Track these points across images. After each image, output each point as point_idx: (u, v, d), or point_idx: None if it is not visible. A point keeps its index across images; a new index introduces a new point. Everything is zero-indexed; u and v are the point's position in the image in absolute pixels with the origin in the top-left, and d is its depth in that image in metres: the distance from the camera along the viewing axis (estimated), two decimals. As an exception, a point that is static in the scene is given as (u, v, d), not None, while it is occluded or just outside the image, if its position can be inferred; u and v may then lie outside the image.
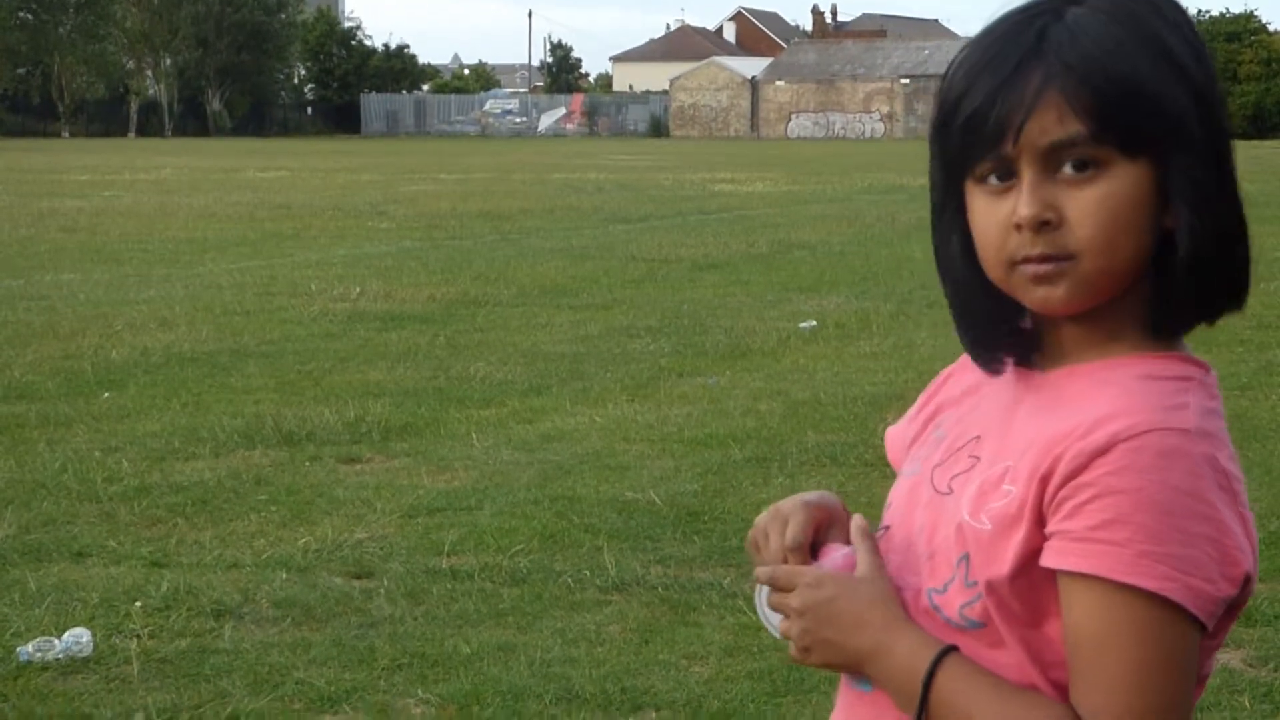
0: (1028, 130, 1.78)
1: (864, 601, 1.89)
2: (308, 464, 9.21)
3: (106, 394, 11.27)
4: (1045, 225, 1.80)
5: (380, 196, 34.36)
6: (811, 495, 2.03)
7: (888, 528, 2.03)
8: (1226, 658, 6.05)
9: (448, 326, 14.83)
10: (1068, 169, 1.78)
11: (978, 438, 1.93)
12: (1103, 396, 1.78)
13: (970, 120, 1.81)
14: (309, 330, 14.59)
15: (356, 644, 6.23)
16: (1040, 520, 1.77)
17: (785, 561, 1.96)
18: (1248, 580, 1.77)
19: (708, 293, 17.58)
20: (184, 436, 9.85)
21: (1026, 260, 1.81)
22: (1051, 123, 1.77)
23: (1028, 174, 1.80)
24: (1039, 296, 1.83)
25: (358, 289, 17.39)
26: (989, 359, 1.95)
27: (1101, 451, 1.72)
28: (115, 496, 8.41)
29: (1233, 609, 1.80)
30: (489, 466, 9.16)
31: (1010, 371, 1.93)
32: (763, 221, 27.52)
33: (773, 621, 1.99)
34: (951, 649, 1.83)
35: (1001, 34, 1.83)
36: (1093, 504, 1.72)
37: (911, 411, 2.15)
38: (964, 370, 2.07)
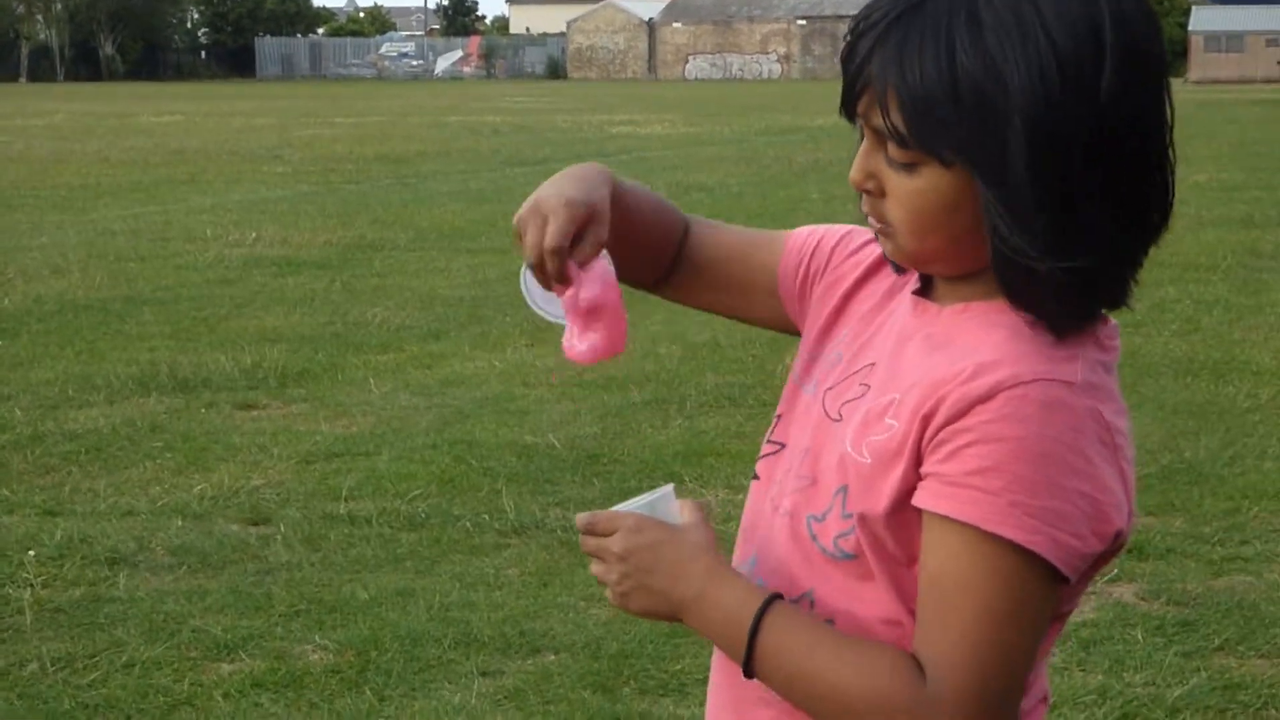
0: (860, 104, 1.80)
1: (687, 549, 1.88)
2: (204, 411, 9.14)
3: (-2, 342, 11.14)
4: (867, 193, 1.82)
5: (276, 141, 34.07)
6: (575, 187, 1.98)
7: (781, 445, 2.03)
8: (1119, 591, 6.13)
9: (345, 271, 14.74)
10: (892, 151, 1.78)
11: (872, 365, 1.92)
12: (990, 340, 1.77)
13: (841, 64, 1.83)
14: (204, 276, 14.46)
15: (253, 591, 6.20)
16: (918, 459, 1.77)
17: (542, 260, 1.93)
18: (1118, 535, 1.77)
19: (606, 235, 17.52)
20: (78, 384, 9.74)
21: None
22: (872, 107, 1.78)
23: (864, 138, 1.82)
24: (881, 246, 1.89)
25: (253, 234, 17.24)
26: (896, 266, 1.97)
27: (984, 398, 1.72)
28: (8, 445, 8.32)
29: (1099, 561, 1.80)
30: (387, 412, 9.12)
31: (909, 302, 1.92)
32: (661, 163, 27.49)
33: (542, 306, 2.01)
34: (776, 597, 1.82)
35: None
36: (970, 449, 1.72)
37: (829, 239, 2.13)
38: (880, 271, 2.05)
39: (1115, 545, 1.77)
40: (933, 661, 1.73)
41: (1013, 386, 1.71)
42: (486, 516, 7.09)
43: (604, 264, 1.98)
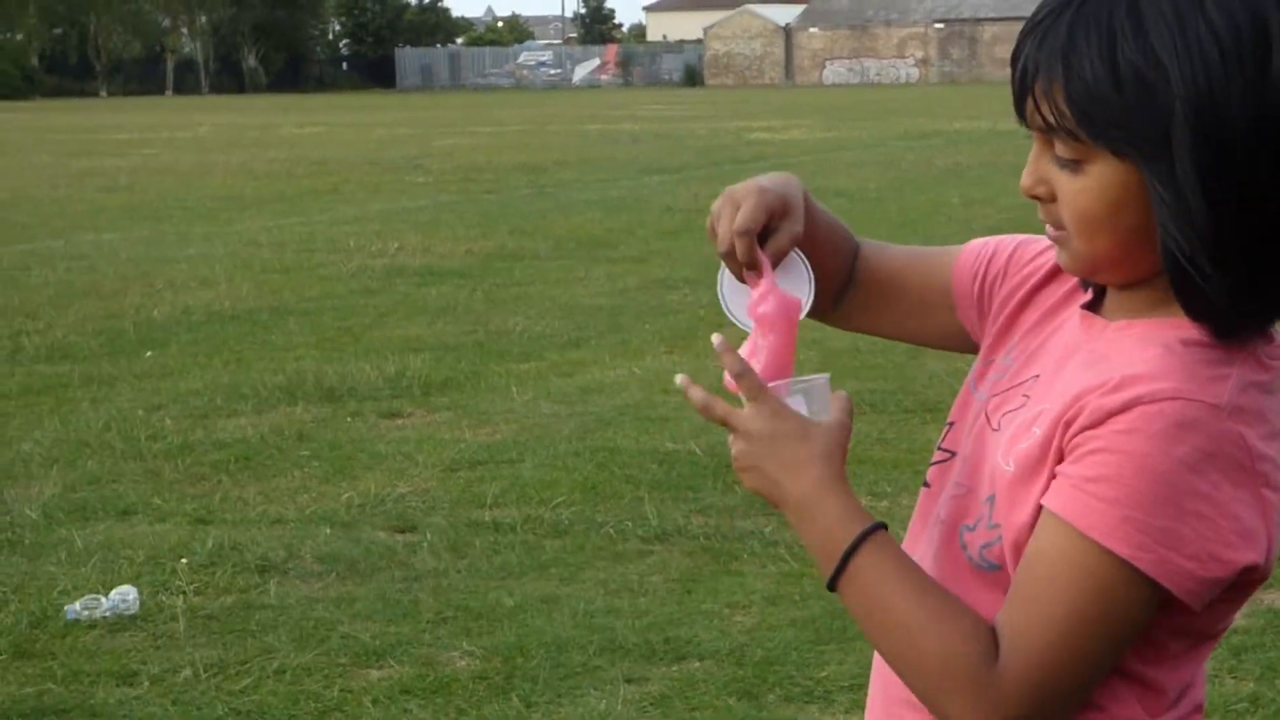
0: (1027, 104, 1.79)
1: (812, 449, 1.85)
2: (349, 419, 9.26)
3: (149, 353, 11.33)
4: (1039, 199, 1.82)
5: (416, 151, 34.36)
6: (770, 180, 1.98)
7: (951, 454, 2.02)
8: (1271, 598, 6.05)
9: (485, 280, 14.85)
10: (1059, 149, 1.77)
11: (1036, 377, 1.92)
12: (1142, 355, 1.76)
13: (1011, 64, 1.83)
14: (348, 286, 14.64)
15: (401, 598, 6.28)
16: (1059, 463, 1.76)
17: (732, 248, 1.93)
18: (1251, 568, 1.73)
19: (745, 242, 17.52)
20: (226, 394, 9.90)
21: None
22: (1041, 102, 1.77)
23: (1034, 142, 1.82)
24: (1056, 256, 1.87)
25: (395, 244, 17.41)
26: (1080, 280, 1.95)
27: (1120, 410, 1.70)
28: (159, 454, 8.47)
29: (1235, 590, 1.77)
30: (529, 420, 9.19)
31: (1078, 316, 1.91)
32: (799, 169, 27.27)
33: (731, 308, 1.97)
34: (881, 526, 1.82)
35: None
36: (1095, 456, 1.71)
37: (1004, 248, 2.11)
38: (1054, 280, 2.03)
39: (1249, 577, 1.75)
40: (1009, 642, 1.73)
41: (1150, 402, 1.70)
42: (629, 523, 7.12)
43: (801, 267, 1.96)
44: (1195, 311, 1.74)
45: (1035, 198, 1.83)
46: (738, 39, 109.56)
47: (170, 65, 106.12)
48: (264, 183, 26.55)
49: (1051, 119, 1.75)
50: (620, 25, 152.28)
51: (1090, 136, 1.73)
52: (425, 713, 5.29)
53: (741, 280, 1.96)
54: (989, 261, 2.11)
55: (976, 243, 2.16)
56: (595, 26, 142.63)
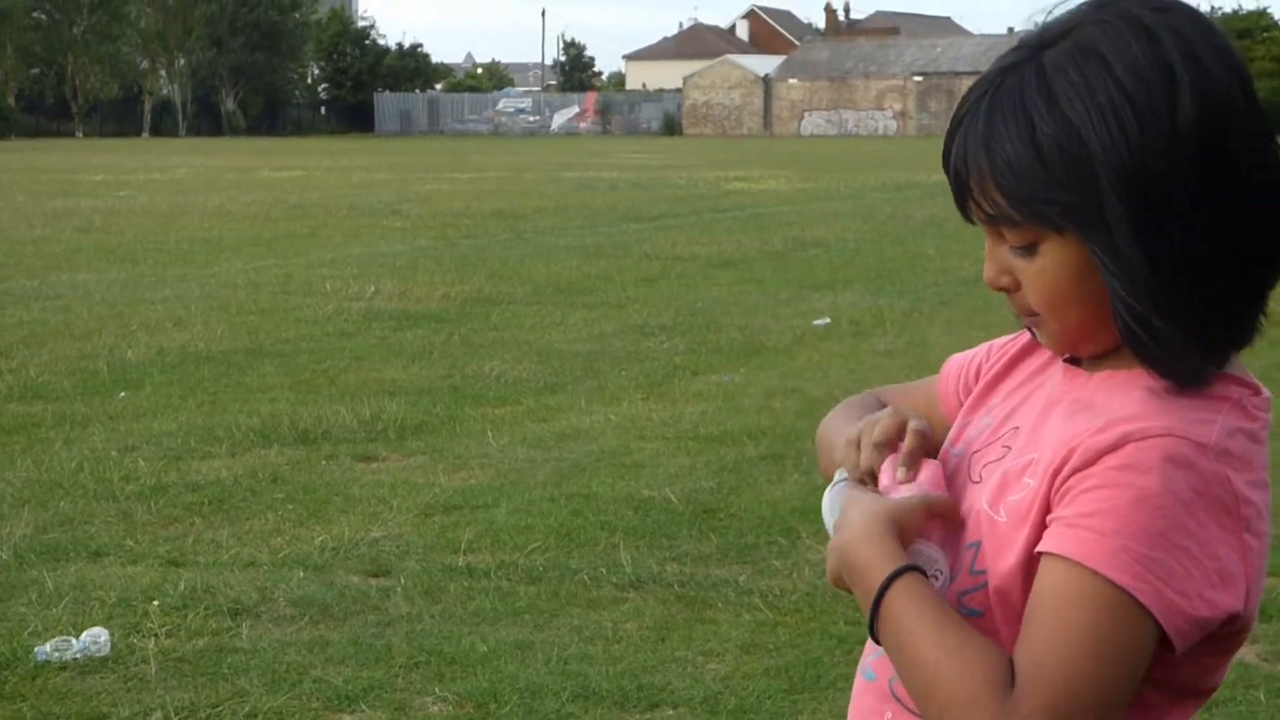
0: (967, 202, 1.83)
1: (861, 508, 1.89)
2: (324, 462, 9.22)
3: (123, 393, 11.29)
4: (1005, 290, 1.85)
5: (394, 195, 34.39)
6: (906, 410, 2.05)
7: None
8: (1242, 652, 6.04)
9: (462, 325, 14.84)
10: (1009, 238, 1.80)
11: (1016, 428, 1.93)
12: (1126, 399, 1.78)
13: (943, 166, 1.86)
14: (324, 329, 14.61)
15: (374, 642, 6.24)
16: (1047, 511, 1.77)
17: (872, 460, 1.98)
18: (1233, 618, 1.75)
19: (722, 290, 17.58)
20: (200, 436, 9.86)
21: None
22: (978, 196, 1.80)
23: (986, 237, 1.85)
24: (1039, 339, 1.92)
25: (372, 288, 17.41)
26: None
27: (1111, 448, 1.72)
28: (132, 496, 8.43)
29: (1219, 642, 1.78)
30: (505, 465, 9.17)
31: (1060, 370, 1.93)
32: (777, 219, 27.50)
33: (830, 523, 2.00)
34: (910, 569, 1.82)
35: (982, 79, 1.84)
36: (1090, 493, 1.72)
37: (979, 354, 2.15)
38: (1031, 353, 2.06)
39: (1231, 629, 1.76)
40: (1024, 676, 1.73)
41: (1141, 439, 1.71)
42: (604, 570, 7.10)
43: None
44: (1157, 367, 1.77)
45: (1001, 289, 1.85)
46: (717, 89, 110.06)
47: (148, 106, 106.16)
48: (241, 225, 26.52)
49: (990, 210, 1.78)
50: (600, 73, 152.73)
51: (1027, 218, 1.75)
52: (397, 758, 5.25)
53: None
54: (968, 365, 2.16)
55: (956, 356, 2.21)
56: (575, 74, 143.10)
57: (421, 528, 7.83)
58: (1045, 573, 1.75)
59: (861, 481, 1.97)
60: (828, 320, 14.88)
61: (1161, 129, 1.70)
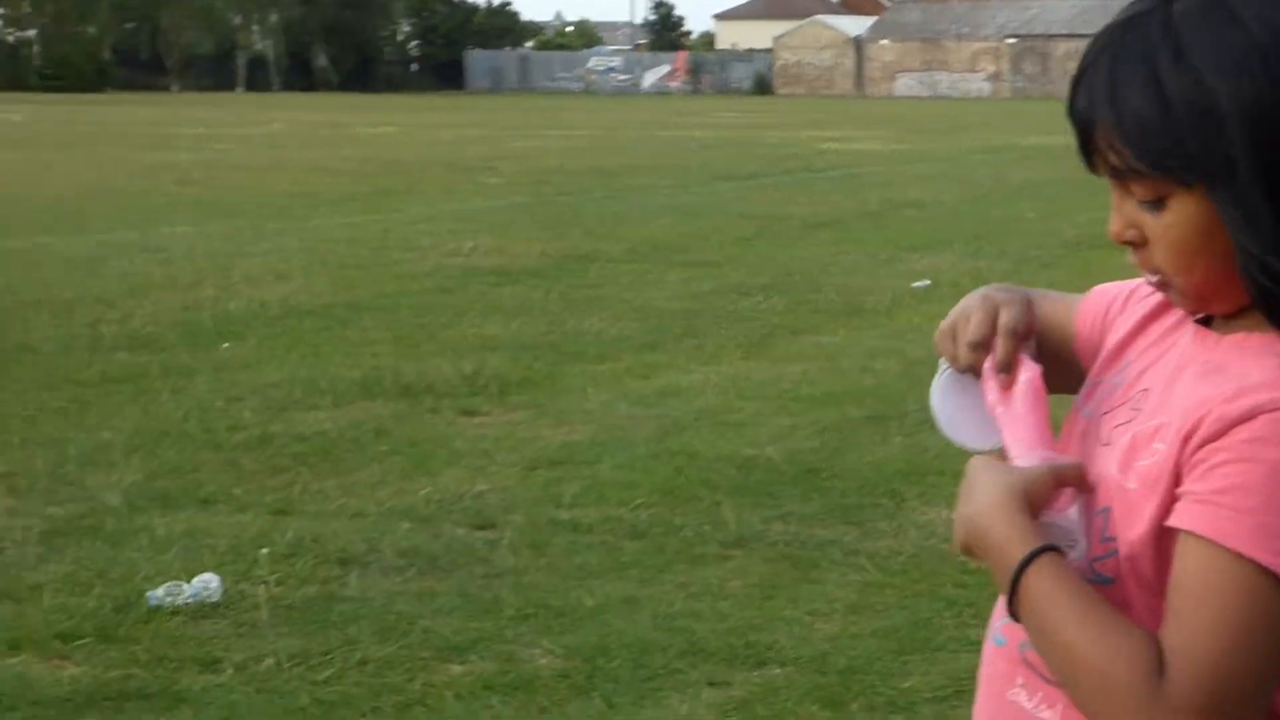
0: (1092, 154, 1.80)
1: (990, 478, 1.85)
2: (427, 416, 9.27)
3: (226, 345, 11.39)
4: (1131, 244, 1.82)
5: (488, 152, 34.45)
6: (1004, 293, 2.04)
7: None
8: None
9: (560, 282, 14.87)
10: (1136, 191, 1.77)
11: (1145, 390, 1.90)
12: (1259, 365, 1.75)
13: (1071, 121, 1.83)
14: (423, 284, 14.68)
15: (481, 594, 6.27)
16: (1178, 480, 1.74)
17: (971, 357, 1.98)
18: None
19: (819, 250, 17.53)
20: (304, 387, 9.93)
21: None
22: (1103, 149, 1.78)
23: (1112, 190, 1.82)
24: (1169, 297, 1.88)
25: (470, 244, 17.45)
26: None
27: (1243, 419, 1.69)
28: (238, 445, 8.51)
29: None
30: (606, 421, 9.18)
31: (1191, 331, 1.90)
32: (872, 179, 27.40)
33: (951, 416, 2.00)
34: (1049, 548, 1.79)
35: (1105, 30, 1.81)
36: (1224, 468, 1.69)
37: (1122, 291, 2.10)
38: (1167, 311, 2.01)
39: None
40: (1173, 661, 1.70)
41: (1273, 410, 1.68)
42: (708, 527, 7.10)
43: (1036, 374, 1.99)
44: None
45: (1127, 242, 1.82)
46: (808, 49, 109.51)
47: (241, 62, 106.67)
48: (337, 180, 26.66)
49: (1116, 163, 1.76)
50: (689, 33, 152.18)
51: (1154, 171, 1.73)
52: (508, 709, 5.28)
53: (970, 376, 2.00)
54: (1108, 305, 2.11)
55: (1097, 289, 2.16)
56: (665, 34, 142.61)
57: (525, 482, 7.86)
58: (1186, 553, 1.72)
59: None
60: (928, 282, 14.79)
61: None
